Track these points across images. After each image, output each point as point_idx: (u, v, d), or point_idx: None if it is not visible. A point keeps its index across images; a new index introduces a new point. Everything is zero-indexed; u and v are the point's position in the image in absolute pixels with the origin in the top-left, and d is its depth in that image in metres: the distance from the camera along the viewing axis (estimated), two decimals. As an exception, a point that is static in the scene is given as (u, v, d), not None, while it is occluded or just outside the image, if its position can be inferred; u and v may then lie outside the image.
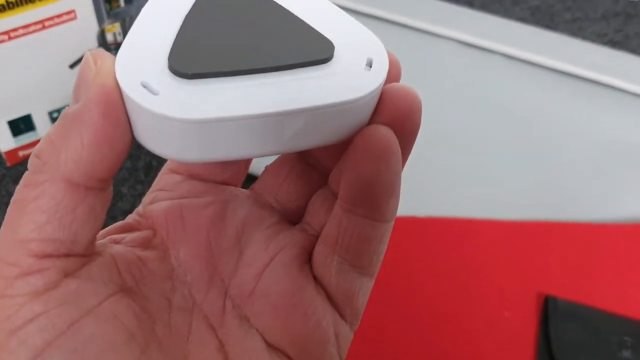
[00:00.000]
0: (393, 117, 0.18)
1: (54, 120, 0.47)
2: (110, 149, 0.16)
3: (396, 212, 0.19)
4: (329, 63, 0.18)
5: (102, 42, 0.45)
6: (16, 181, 0.46)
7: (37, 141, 0.47)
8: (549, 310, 0.40)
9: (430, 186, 0.48)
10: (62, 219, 0.17)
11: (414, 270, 0.42)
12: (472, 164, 0.51)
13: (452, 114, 0.54)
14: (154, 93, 0.16)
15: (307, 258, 0.21)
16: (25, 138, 0.46)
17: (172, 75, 0.17)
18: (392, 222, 0.20)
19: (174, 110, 0.16)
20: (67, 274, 0.17)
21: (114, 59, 0.17)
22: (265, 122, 0.17)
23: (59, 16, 0.41)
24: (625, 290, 0.42)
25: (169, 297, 0.20)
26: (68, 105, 0.17)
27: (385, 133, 0.18)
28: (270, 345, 0.20)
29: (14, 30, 0.40)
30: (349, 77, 0.18)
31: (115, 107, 0.16)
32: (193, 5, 0.19)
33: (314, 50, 0.18)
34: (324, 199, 0.21)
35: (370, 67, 0.18)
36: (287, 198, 0.23)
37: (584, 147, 0.52)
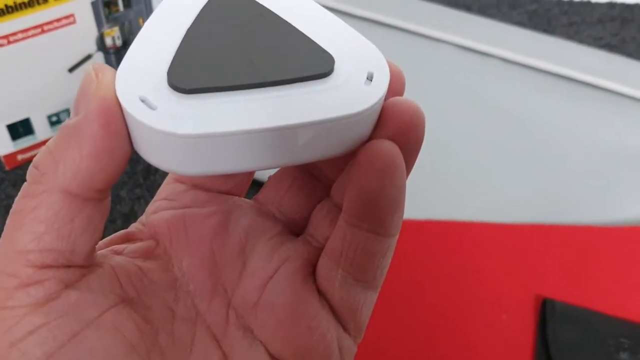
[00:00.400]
0: (396, 131, 0.18)
1: (52, 124, 0.47)
2: (110, 160, 0.17)
3: (400, 226, 0.19)
4: (329, 77, 0.18)
5: (101, 46, 0.46)
6: (15, 185, 0.46)
7: (36, 145, 0.47)
8: (547, 313, 0.40)
9: (428, 189, 0.48)
10: (60, 230, 0.17)
11: (411, 273, 0.42)
12: (469, 167, 0.51)
13: (450, 118, 0.54)
14: (152, 108, 0.16)
15: (311, 270, 0.21)
16: (24, 142, 0.47)
17: (170, 90, 0.17)
18: (397, 237, 0.20)
19: (171, 125, 0.16)
20: (67, 285, 0.17)
21: (115, 73, 0.17)
22: (263, 137, 0.17)
23: (58, 20, 0.41)
24: (623, 292, 0.42)
25: (172, 307, 0.20)
26: (69, 118, 0.17)
27: (389, 148, 0.18)
28: (273, 357, 0.20)
29: (13, 34, 0.40)
30: (349, 91, 0.18)
31: (115, 119, 0.16)
32: (194, 20, 0.19)
33: (314, 64, 0.18)
34: (328, 211, 0.21)
35: (371, 80, 0.18)
36: (290, 209, 0.23)
37: (581, 150, 0.53)
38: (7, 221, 0.17)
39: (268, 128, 0.17)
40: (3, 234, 0.17)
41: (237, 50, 0.18)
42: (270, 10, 0.20)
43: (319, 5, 0.20)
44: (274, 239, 0.21)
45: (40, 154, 0.17)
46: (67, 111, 0.47)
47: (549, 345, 0.39)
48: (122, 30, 0.46)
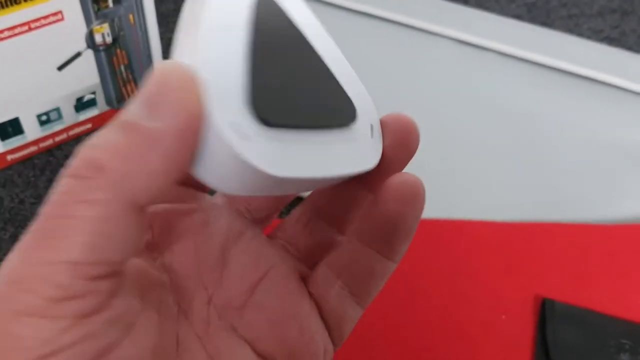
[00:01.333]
0: (398, 140, 0.21)
1: (42, 123, 0.46)
2: (176, 176, 0.16)
3: (403, 255, 0.22)
4: (350, 126, 0.20)
5: (91, 43, 0.45)
6: (4, 185, 0.45)
7: (26, 145, 0.46)
8: (547, 313, 0.40)
9: (425, 186, 0.48)
10: (117, 242, 0.16)
11: (409, 272, 0.42)
12: (467, 163, 0.50)
13: (447, 113, 0.53)
14: (244, 139, 0.16)
15: (300, 275, 0.22)
16: (14, 142, 0.46)
17: (255, 119, 0.17)
18: (397, 264, 0.21)
19: (264, 164, 0.16)
20: (112, 295, 0.16)
21: (201, 88, 0.16)
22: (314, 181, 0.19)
23: (45, 17, 0.41)
24: (624, 292, 0.41)
25: (156, 305, 0.20)
26: (130, 111, 0.16)
27: (416, 181, 0.20)
28: (260, 356, 0.21)
29: (0, 32, 0.39)
30: (363, 144, 0.20)
31: (196, 139, 0.15)
32: (252, 38, 0.18)
33: (343, 112, 0.20)
34: (306, 223, 0.23)
35: (372, 133, 0.20)
36: (258, 207, 0.24)
37: (580, 145, 0.52)
38: (43, 223, 0.16)
39: (325, 178, 0.18)
40: (37, 236, 0.16)
41: (295, 84, 0.19)
42: (306, 40, 0.20)
43: (333, 41, 0.21)
44: (255, 241, 0.22)
45: (105, 152, 0.15)
46: (57, 110, 0.46)
47: (549, 346, 0.38)
48: (112, 27, 0.45)
